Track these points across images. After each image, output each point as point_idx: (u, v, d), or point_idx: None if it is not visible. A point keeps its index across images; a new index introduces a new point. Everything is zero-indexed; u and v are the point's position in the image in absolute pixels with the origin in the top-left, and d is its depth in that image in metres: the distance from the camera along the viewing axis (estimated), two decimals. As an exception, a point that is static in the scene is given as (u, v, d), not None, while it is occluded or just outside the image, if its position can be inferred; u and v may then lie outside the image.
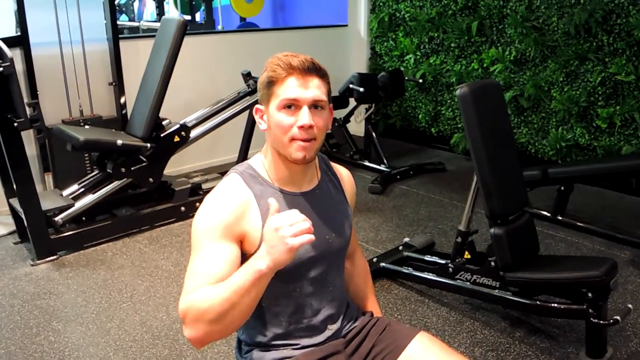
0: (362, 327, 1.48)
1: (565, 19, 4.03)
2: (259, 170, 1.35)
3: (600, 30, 3.89)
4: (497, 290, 2.44)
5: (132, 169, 3.36)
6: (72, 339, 2.46)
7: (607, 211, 3.77)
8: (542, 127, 4.38)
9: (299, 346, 1.38)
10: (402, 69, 5.02)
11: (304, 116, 1.25)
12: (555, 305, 2.29)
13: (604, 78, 3.93)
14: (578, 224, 3.44)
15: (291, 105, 1.26)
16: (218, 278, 1.18)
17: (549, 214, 3.50)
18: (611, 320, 2.12)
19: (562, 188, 3.42)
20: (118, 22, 4.04)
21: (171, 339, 2.46)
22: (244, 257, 1.26)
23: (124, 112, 3.93)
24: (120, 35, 3.92)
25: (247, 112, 4.06)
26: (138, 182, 3.45)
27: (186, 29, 3.37)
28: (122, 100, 3.93)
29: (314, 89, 1.27)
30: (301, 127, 1.25)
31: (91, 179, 3.50)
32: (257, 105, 1.33)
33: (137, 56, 4.02)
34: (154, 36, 3.71)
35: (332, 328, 1.41)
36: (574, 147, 4.22)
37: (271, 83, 1.27)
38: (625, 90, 3.86)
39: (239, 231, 1.26)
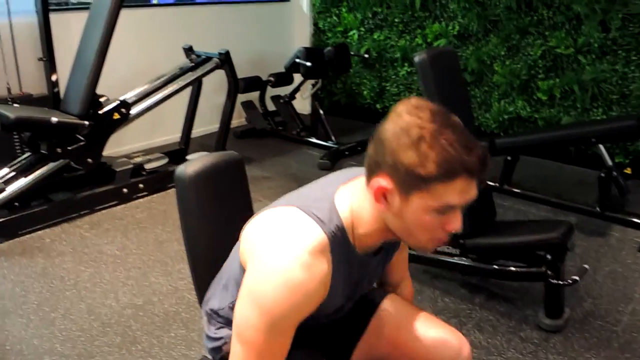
0: None
1: (506, -7, 4.09)
2: (348, 234, 1.14)
3: (541, 5, 3.97)
4: (456, 258, 2.44)
5: (69, 149, 3.15)
6: (13, 331, 2.27)
7: (549, 180, 3.89)
8: (485, 101, 4.45)
9: None
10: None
11: (458, 221, 1.07)
12: (515, 268, 2.32)
13: (544, 51, 4.02)
14: (524, 192, 3.52)
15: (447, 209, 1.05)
16: None
17: (496, 184, 3.56)
18: (570, 280, 2.16)
19: (509, 158, 3.49)
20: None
21: (123, 325, 2.32)
22: None
23: (55, 90, 3.67)
24: (50, 8, 3.65)
25: (189, 89, 3.91)
26: (75, 163, 3.24)
27: (124, -2, 3.17)
28: (54, 77, 3.67)
29: (476, 188, 1.04)
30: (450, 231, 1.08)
31: (23, 162, 3.25)
32: (380, 180, 1.04)
33: (68, 30, 3.76)
34: (86, 9, 3.49)
35: None
36: (515, 120, 4.31)
37: (434, 180, 0.99)
38: (565, 63, 3.96)
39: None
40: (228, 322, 1.29)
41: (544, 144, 3.48)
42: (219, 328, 1.32)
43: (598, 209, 3.23)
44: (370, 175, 1.07)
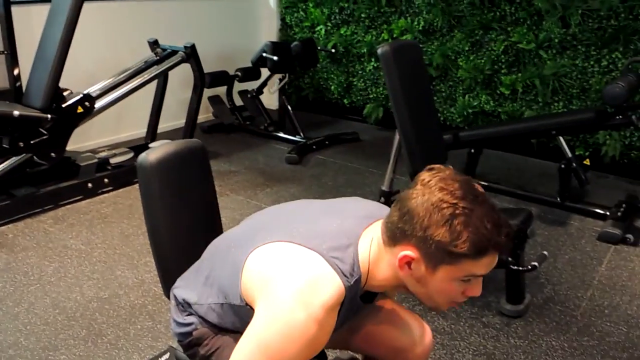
0: None
1: (469, -11, 4.16)
2: (362, 283, 1.16)
3: (503, 0, 4.05)
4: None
5: (32, 142, 3.10)
6: (-26, 326, 2.24)
7: (512, 172, 3.98)
8: (449, 95, 4.52)
9: None
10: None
11: (479, 288, 1.12)
12: (477, 256, 2.37)
13: (506, 46, 4.10)
14: (487, 184, 3.59)
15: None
16: None
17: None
18: (530, 267, 2.22)
19: (472, 150, 3.55)
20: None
21: (88, 318, 2.31)
22: None
23: (18, 84, 3.59)
24: (11, 0, 3.57)
25: (155, 83, 3.88)
26: (39, 158, 3.19)
27: (87, -10, 3.13)
28: (16, 71, 3.59)
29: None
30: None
31: (-16, 157, 3.19)
32: (407, 251, 1.07)
33: (31, 23, 3.70)
34: (48, 1, 3.42)
35: None
36: (479, 114, 4.39)
37: (465, 256, 1.03)
38: (526, 58, 4.06)
39: None
40: (200, 316, 1.29)
41: (506, 136, 3.56)
42: (188, 315, 1.32)
43: (558, 199, 3.32)
44: (394, 241, 1.10)
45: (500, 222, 1.05)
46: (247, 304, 1.17)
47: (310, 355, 1.11)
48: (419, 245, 1.06)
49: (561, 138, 3.29)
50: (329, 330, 1.09)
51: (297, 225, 1.22)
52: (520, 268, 2.24)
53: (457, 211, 1.02)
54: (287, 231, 1.19)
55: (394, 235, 1.09)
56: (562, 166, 3.23)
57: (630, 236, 2.96)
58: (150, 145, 3.79)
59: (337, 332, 1.39)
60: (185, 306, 1.32)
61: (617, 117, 3.11)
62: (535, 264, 2.22)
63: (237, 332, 1.19)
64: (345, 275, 1.09)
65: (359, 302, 1.20)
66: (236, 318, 1.23)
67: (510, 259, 2.23)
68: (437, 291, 1.10)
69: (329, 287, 1.07)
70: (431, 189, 1.05)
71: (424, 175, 1.09)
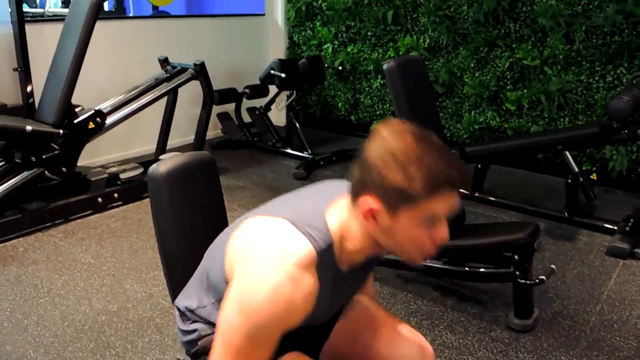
0: None
1: (475, 7, 4.20)
2: (336, 251, 1.16)
3: (508, 18, 4.10)
4: (428, 261, 2.49)
5: (44, 157, 3.15)
6: (-16, 338, 2.26)
7: (519, 187, 3.99)
8: (456, 112, 4.55)
9: None
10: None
11: (445, 232, 1.12)
12: (484, 270, 2.38)
13: (511, 63, 4.14)
14: (495, 199, 3.60)
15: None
16: None
17: (467, 192, 3.64)
18: (537, 280, 2.23)
19: (479, 166, 3.57)
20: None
21: (97, 331, 2.32)
22: None
23: (31, 100, 3.67)
24: (25, 19, 3.65)
25: (164, 100, 3.94)
26: (50, 173, 3.23)
27: (100, 9, 3.19)
28: (29, 88, 3.67)
29: (457, 197, 1.11)
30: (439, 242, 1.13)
31: (-4, 171, 3.24)
32: (369, 201, 1.08)
33: (44, 41, 3.77)
34: (62, 20, 3.50)
35: None
36: (486, 130, 4.42)
37: (421, 195, 1.05)
38: (532, 74, 4.09)
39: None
40: (203, 320, 1.31)
41: (513, 151, 3.57)
42: (192, 322, 1.34)
43: (566, 214, 3.32)
44: (356, 195, 1.12)
45: (452, 159, 1.08)
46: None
47: (290, 320, 1.10)
48: (379, 194, 1.08)
49: (567, 153, 3.30)
50: (307, 291, 1.09)
51: (271, 205, 1.29)
52: (528, 282, 2.24)
53: (411, 156, 1.05)
54: (261, 210, 1.25)
55: (356, 190, 1.12)
56: (569, 181, 3.23)
57: (638, 251, 2.95)
58: (160, 157, 3.83)
59: (339, 342, 1.40)
60: (188, 314, 1.34)
61: (623, 132, 3.12)
62: (543, 277, 2.23)
63: None
64: (313, 238, 1.12)
65: (342, 273, 1.20)
66: None
67: (517, 272, 2.24)
68: (404, 238, 1.11)
69: (299, 248, 1.09)
70: (386, 140, 1.08)
71: (379, 127, 1.12)
